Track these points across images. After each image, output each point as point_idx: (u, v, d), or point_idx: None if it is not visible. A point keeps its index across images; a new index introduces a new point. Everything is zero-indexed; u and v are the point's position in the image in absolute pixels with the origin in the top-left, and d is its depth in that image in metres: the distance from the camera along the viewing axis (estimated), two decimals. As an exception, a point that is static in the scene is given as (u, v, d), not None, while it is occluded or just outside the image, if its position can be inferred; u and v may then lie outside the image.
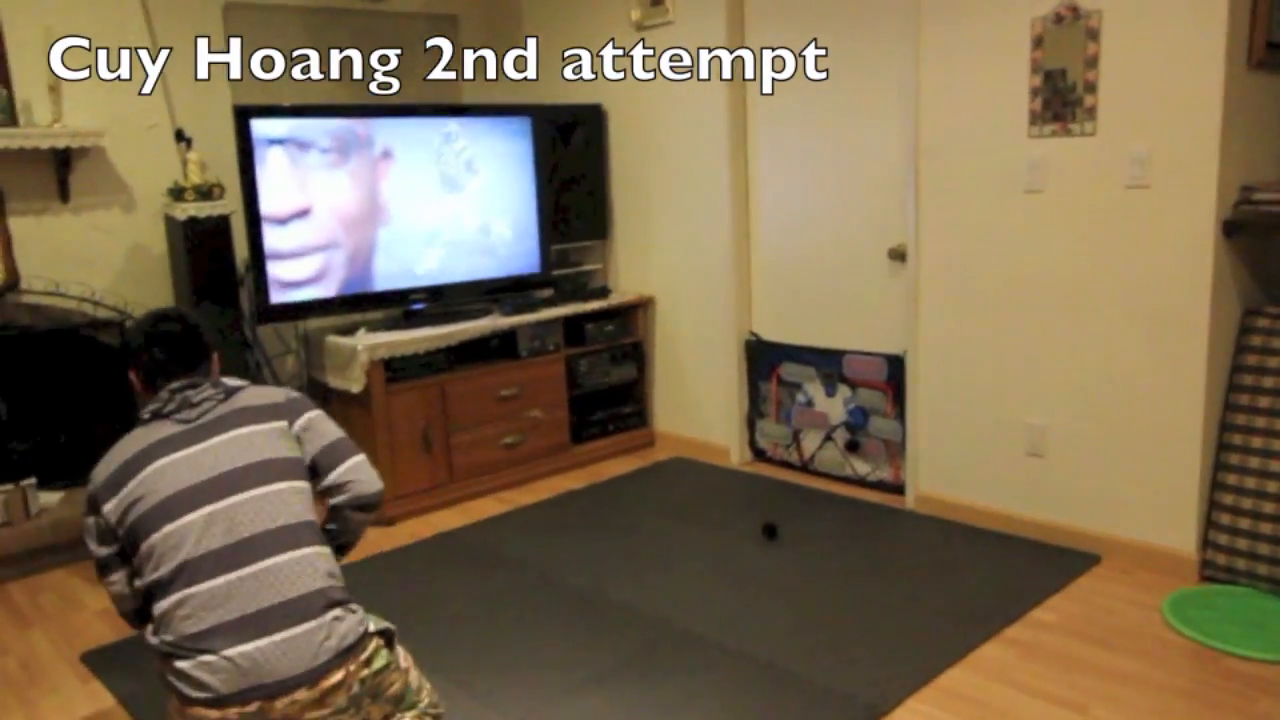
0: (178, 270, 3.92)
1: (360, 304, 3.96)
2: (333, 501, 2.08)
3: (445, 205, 4.14)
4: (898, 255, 3.66)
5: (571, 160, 4.55)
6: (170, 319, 2.16)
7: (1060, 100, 3.05)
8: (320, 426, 2.12)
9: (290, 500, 1.95)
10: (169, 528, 1.87)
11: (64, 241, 3.86)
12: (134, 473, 1.94)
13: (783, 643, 2.68)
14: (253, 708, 1.78)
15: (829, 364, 3.95)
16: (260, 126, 3.67)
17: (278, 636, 1.80)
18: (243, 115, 3.65)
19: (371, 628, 1.96)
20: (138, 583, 1.93)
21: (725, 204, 4.17)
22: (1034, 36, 3.09)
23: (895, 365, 3.71)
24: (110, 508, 1.94)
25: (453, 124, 4.13)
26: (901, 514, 3.61)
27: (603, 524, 3.65)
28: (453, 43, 5.00)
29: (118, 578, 1.99)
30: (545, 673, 2.59)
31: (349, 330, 3.96)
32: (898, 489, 3.77)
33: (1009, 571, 3.06)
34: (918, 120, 3.44)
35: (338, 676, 1.84)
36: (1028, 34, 3.11)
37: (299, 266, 3.81)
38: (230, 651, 1.78)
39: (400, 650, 2.04)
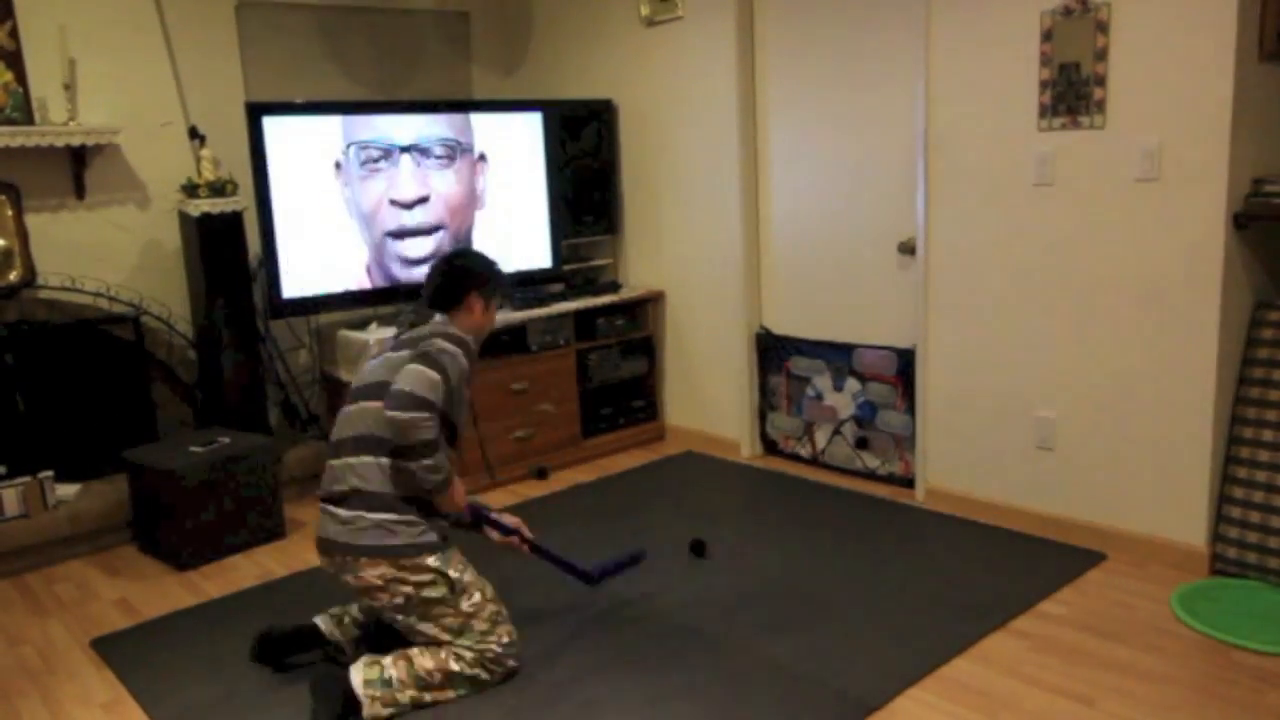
0: (191, 265, 3.96)
1: (372, 299, 3.99)
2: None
3: (456, 199, 4.16)
4: (907, 249, 3.66)
5: (582, 155, 4.56)
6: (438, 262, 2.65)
7: (1074, 93, 3.04)
8: (423, 355, 2.41)
9: (368, 416, 2.45)
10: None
11: (80, 238, 3.90)
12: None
13: (783, 636, 2.69)
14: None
15: (839, 358, 3.96)
16: (275, 124, 3.70)
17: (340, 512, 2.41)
18: (255, 112, 3.67)
19: (433, 561, 2.38)
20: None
21: (735, 198, 4.17)
22: (1043, 29, 3.08)
23: (905, 359, 3.71)
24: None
25: (464, 120, 4.14)
26: (911, 507, 3.61)
27: (608, 517, 3.66)
28: (464, 39, 5.01)
29: None
30: (540, 663, 2.61)
31: (361, 325, 3.99)
32: (907, 482, 3.78)
33: (1017, 565, 3.06)
34: (927, 114, 3.44)
35: (359, 560, 2.36)
36: (1037, 27, 3.10)
37: (311, 261, 3.84)
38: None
39: (468, 597, 2.42)
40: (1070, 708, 2.30)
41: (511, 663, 2.49)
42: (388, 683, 2.32)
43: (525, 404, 4.20)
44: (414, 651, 2.39)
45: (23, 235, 3.68)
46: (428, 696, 2.37)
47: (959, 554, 3.16)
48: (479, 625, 2.43)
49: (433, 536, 2.41)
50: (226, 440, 3.62)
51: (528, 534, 2.74)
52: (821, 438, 4.09)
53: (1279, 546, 2.81)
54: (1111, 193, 3.02)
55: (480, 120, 4.18)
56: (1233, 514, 2.92)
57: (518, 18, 5.07)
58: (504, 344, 4.19)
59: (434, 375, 2.34)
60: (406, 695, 2.34)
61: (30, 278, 3.70)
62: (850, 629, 2.71)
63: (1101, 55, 2.96)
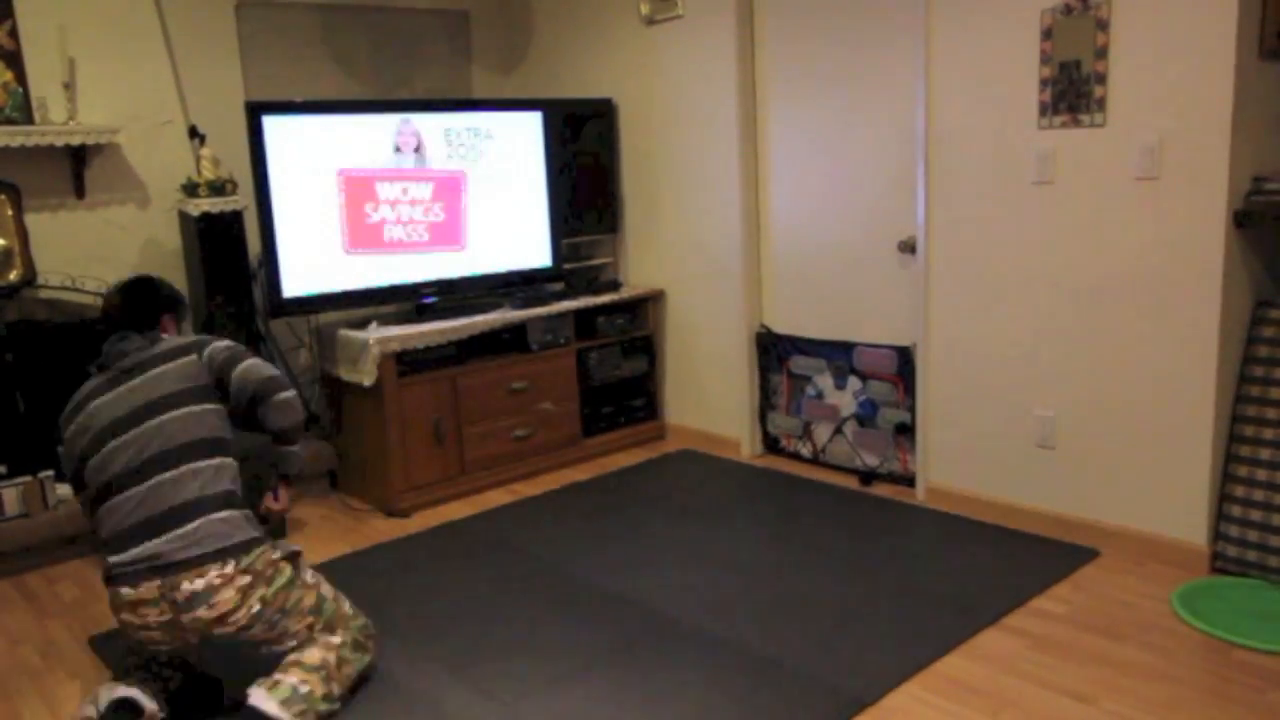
0: (191, 265, 3.96)
1: (372, 298, 3.99)
2: (246, 400, 2.50)
3: (456, 200, 4.16)
4: (907, 247, 3.66)
5: (582, 154, 4.56)
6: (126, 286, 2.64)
7: (1074, 91, 3.04)
8: (217, 350, 2.50)
9: (199, 419, 2.37)
10: (103, 451, 2.33)
11: (80, 237, 3.90)
12: (78, 412, 2.42)
13: (777, 634, 2.68)
14: (154, 584, 2.19)
15: (839, 356, 3.95)
16: (275, 123, 3.70)
17: (167, 536, 2.22)
18: (255, 111, 3.67)
19: (276, 554, 2.31)
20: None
21: (735, 197, 4.17)
22: (1044, 27, 3.08)
23: (905, 357, 3.71)
24: (66, 436, 2.42)
25: (464, 118, 4.14)
26: (910, 505, 3.61)
27: (607, 516, 3.66)
28: (464, 39, 5.01)
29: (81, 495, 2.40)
30: (536, 660, 2.61)
31: (361, 324, 3.99)
32: (908, 480, 3.77)
33: (1016, 562, 3.06)
34: (927, 112, 3.43)
35: (223, 570, 2.19)
36: (1037, 25, 3.10)
37: (311, 261, 3.84)
38: (136, 550, 2.21)
39: (307, 569, 2.41)
40: (1070, 706, 2.30)
41: (373, 649, 2.52)
42: (300, 692, 2.24)
43: (525, 403, 4.20)
44: (295, 656, 2.31)
45: (23, 235, 3.68)
46: (335, 688, 2.34)
47: (957, 552, 3.16)
48: (326, 590, 2.44)
49: (259, 521, 2.41)
50: (227, 440, 3.62)
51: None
52: (822, 436, 4.09)
53: (1279, 545, 2.82)
54: (1112, 191, 3.02)
55: (481, 119, 4.18)
56: (1233, 512, 2.91)
57: (518, 17, 5.07)
58: (504, 343, 4.19)
59: (257, 358, 2.53)
60: (319, 694, 2.28)
61: (30, 277, 3.70)
62: (844, 626, 2.71)
63: (1102, 53, 2.96)
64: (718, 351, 4.40)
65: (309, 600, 2.37)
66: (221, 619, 2.21)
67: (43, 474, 3.50)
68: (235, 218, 3.84)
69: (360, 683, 2.48)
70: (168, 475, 2.27)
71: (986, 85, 3.26)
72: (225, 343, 2.55)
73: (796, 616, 2.78)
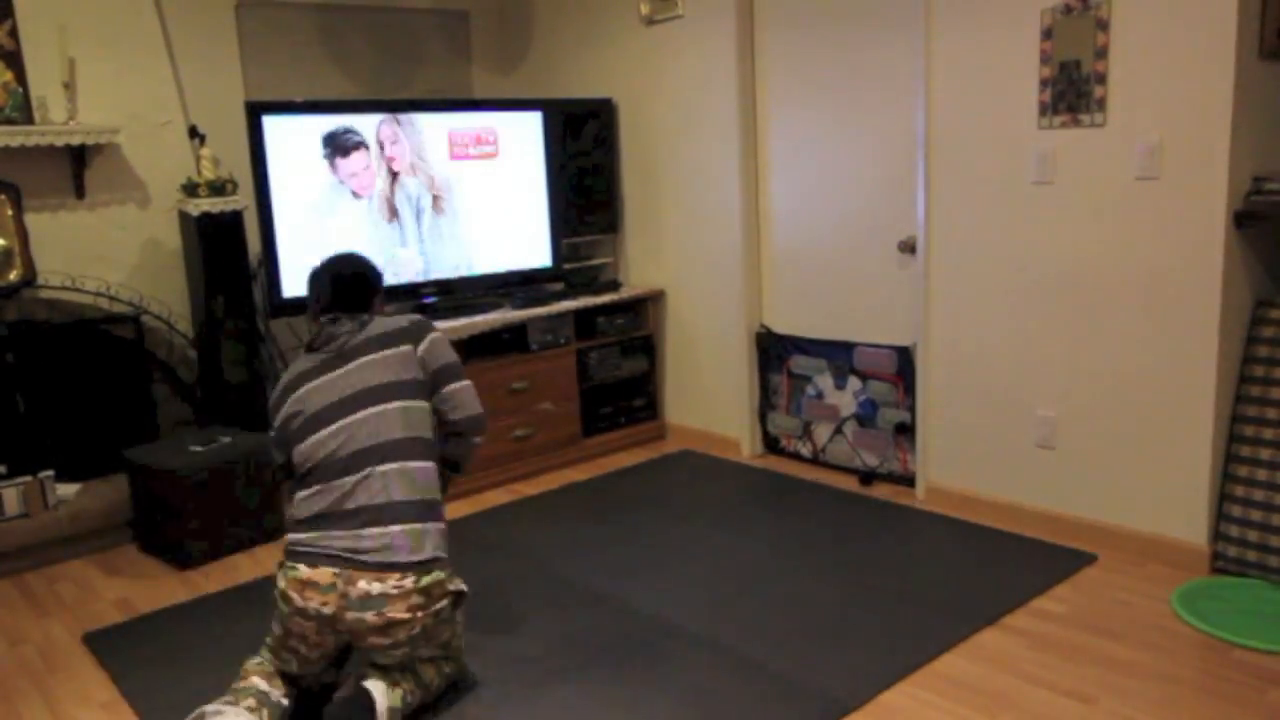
0: (192, 265, 3.96)
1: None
2: (447, 421, 2.45)
3: (456, 199, 4.16)
4: (907, 247, 3.66)
5: (582, 154, 4.56)
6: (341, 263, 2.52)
7: (1074, 91, 3.04)
8: (439, 348, 2.43)
9: (410, 416, 2.31)
10: (312, 439, 2.28)
11: (80, 237, 3.90)
12: (289, 394, 2.37)
13: (774, 634, 2.68)
14: (331, 571, 2.15)
15: (839, 356, 3.95)
16: (275, 123, 3.70)
17: (359, 532, 2.18)
18: (255, 111, 3.67)
19: (451, 586, 2.26)
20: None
21: (735, 197, 4.17)
22: (1044, 27, 3.08)
23: (905, 357, 3.71)
24: (278, 422, 2.38)
25: (464, 118, 4.14)
26: (910, 505, 3.61)
27: (607, 516, 3.66)
28: (464, 39, 5.01)
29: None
30: (525, 660, 2.61)
31: (361, 324, 3.98)
32: (908, 480, 3.77)
33: (1016, 562, 3.06)
34: (927, 112, 3.44)
35: (401, 582, 2.15)
36: (1037, 24, 3.10)
37: (311, 260, 3.84)
38: (324, 535, 2.18)
39: (460, 614, 2.36)
40: (1070, 706, 2.30)
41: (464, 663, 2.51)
42: (406, 701, 2.25)
43: (525, 403, 4.20)
44: (415, 667, 2.33)
45: (23, 235, 3.68)
46: (429, 698, 2.36)
47: (957, 552, 3.16)
48: (459, 633, 2.43)
49: (444, 536, 2.34)
50: (227, 439, 3.62)
51: None
52: (821, 436, 4.09)
53: (1279, 545, 2.82)
54: (1112, 191, 3.02)
55: (480, 119, 4.18)
56: (1233, 512, 2.91)
57: (518, 17, 5.07)
58: (504, 343, 4.19)
59: (469, 381, 2.47)
60: (414, 704, 2.29)
61: (30, 277, 3.70)
62: (842, 626, 2.70)
63: (1102, 53, 2.96)
64: (718, 351, 4.40)
65: (447, 635, 2.33)
66: (384, 629, 2.16)
67: (42, 474, 3.50)
68: (235, 218, 3.84)
69: None
70: (373, 470, 2.21)
71: (986, 85, 3.26)
72: (439, 338, 2.44)
73: (794, 616, 2.78)
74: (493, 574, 3.19)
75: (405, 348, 2.38)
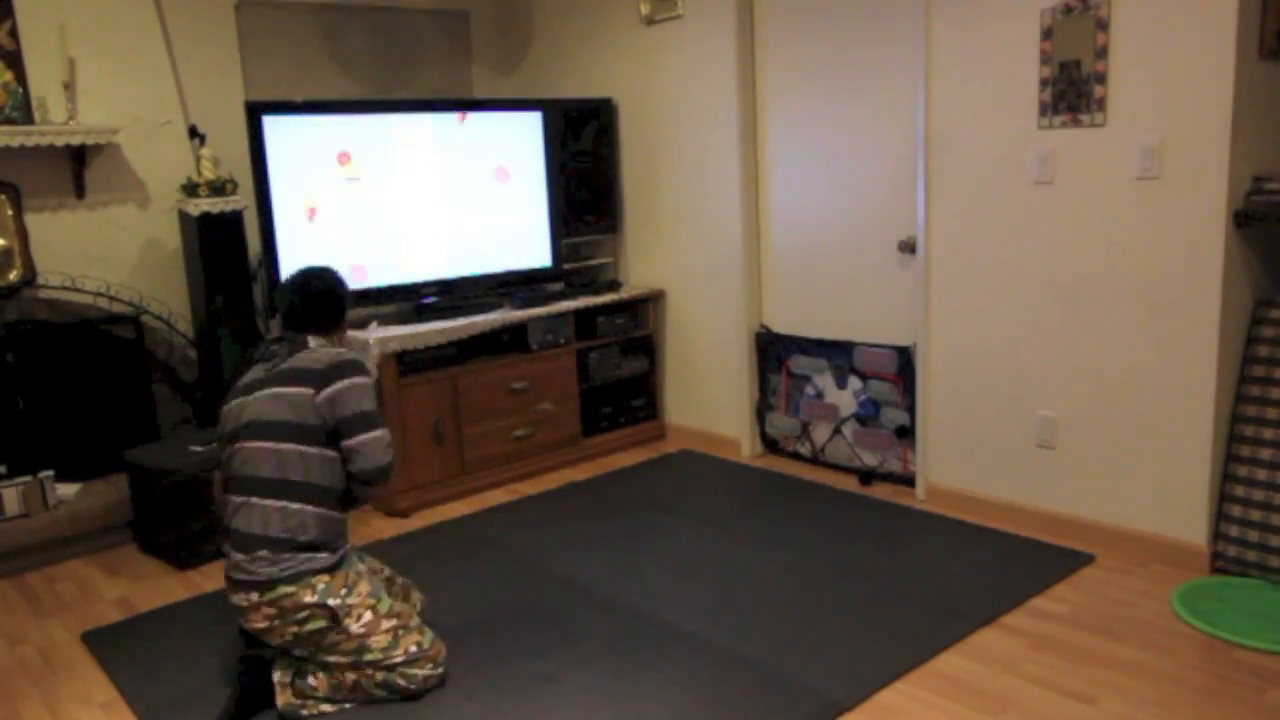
0: (191, 265, 3.96)
1: (372, 298, 3.99)
2: (347, 469, 2.43)
3: (457, 199, 4.16)
4: (907, 247, 3.66)
5: (582, 154, 4.56)
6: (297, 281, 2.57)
7: (1074, 91, 3.04)
8: (345, 398, 2.39)
9: (286, 459, 2.35)
10: (227, 450, 2.44)
11: (80, 237, 3.90)
12: (230, 399, 2.50)
13: (772, 634, 2.68)
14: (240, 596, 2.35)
15: (840, 356, 3.95)
16: (275, 123, 3.70)
17: (236, 556, 2.35)
18: (255, 111, 3.67)
19: (310, 598, 2.31)
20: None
21: (735, 197, 4.17)
22: (1044, 27, 3.08)
23: (905, 357, 3.71)
24: (221, 420, 2.50)
25: (464, 118, 4.14)
26: (910, 505, 3.61)
27: (606, 516, 3.66)
28: (464, 39, 5.02)
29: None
30: (522, 659, 2.62)
31: (361, 324, 3.98)
32: (907, 480, 3.77)
33: (1016, 562, 3.06)
34: (927, 111, 3.44)
35: (248, 596, 2.31)
36: (1037, 25, 3.10)
37: (311, 260, 3.84)
38: (232, 553, 2.37)
39: (361, 618, 2.37)
40: (1071, 706, 2.30)
41: (428, 669, 2.44)
42: (308, 683, 2.40)
43: (525, 403, 4.20)
44: (336, 674, 2.42)
45: (23, 235, 3.68)
46: (339, 695, 2.42)
47: (956, 552, 3.16)
48: (377, 642, 2.38)
49: (312, 566, 2.33)
50: (227, 440, 3.62)
51: None
52: (821, 436, 4.08)
53: (1279, 545, 2.82)
54: (1112, 191, 3.02)
55: (481, 119, 4.18)
56: (1233, 512, 2.91)
57: (518, 17, 5.07)
58: (504, 343, 4.19)
59: (381, 431, 2.41)
60: (322, 692, 2.40)
61: (30, 277, 3.70)
62: (841, 626, 2.70)
63: (1102, 53, 2.96)
64: (718, 351, 4.40)
65: (347, 646, 2.37)
66: (262, 633, 2.36)
67: (42, 474, 3.50)
68: (235, 218, 3.84)
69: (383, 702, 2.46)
70: (257, 503, 2.34)
71: (986, 85, 3.26)
72: (348, 387, 2.38)
73: (793, 616, 2.78)
74: (492, 574, 3.19)
75: (306, 391, 2.37)
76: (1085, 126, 3.04)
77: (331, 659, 2.38)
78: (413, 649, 2.42)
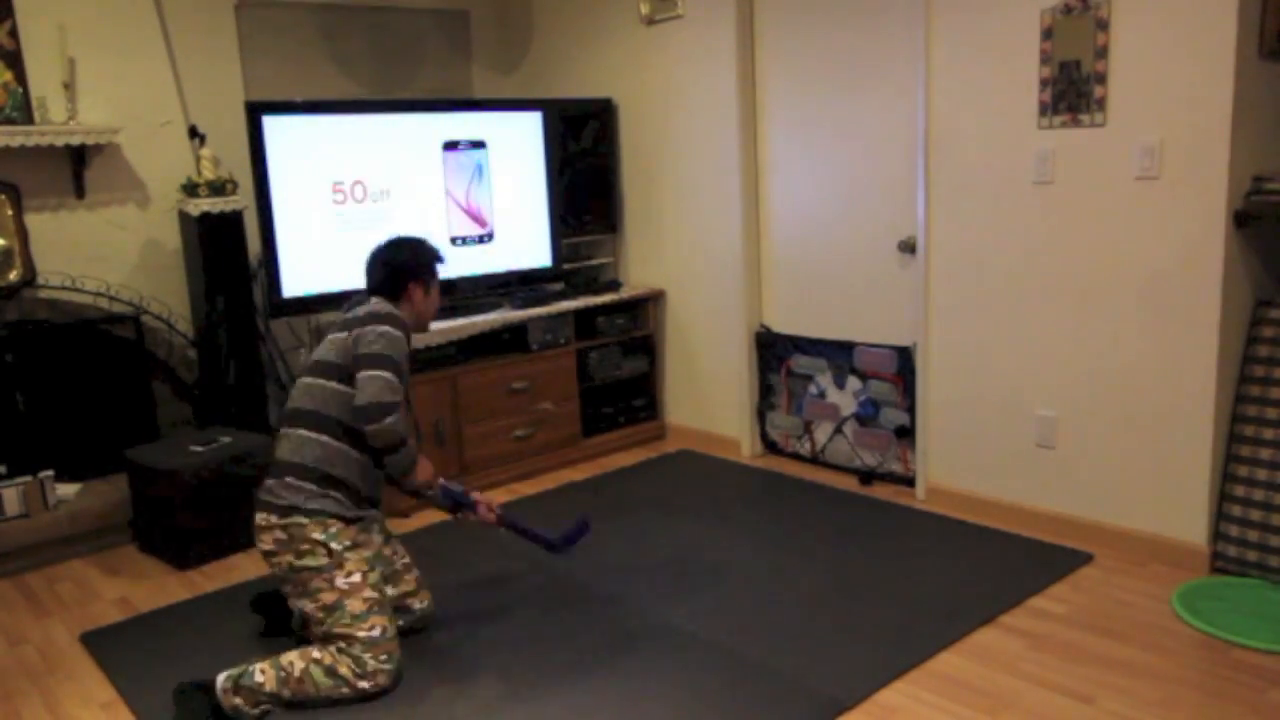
0: (192, 265, 3.96)
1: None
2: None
3: (456, 199, 4.16)
4: (908, 247, 3.66)
5: (582, 154, 4.56)
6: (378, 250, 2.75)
7: (1074, 91, 3.03)
8: (364, 338, 2.52)
9: (315, 392, 2.55)
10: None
11: (80, 237, 3.90)
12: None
13: (766, 634, 2.68)
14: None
15: (840, 356, 3.95)
16: (275, 123, 3.70)
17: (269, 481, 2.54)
18: (255, 111, 3.67)
19: (318, 535, 2.46)
20: None
21: (735, 197, 4.17)
22: (1044, 27, 3.08)
23: (905, 357, 3.71)
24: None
25: (464, 118, 4.14)
26: (910, 505, 3.61)
27: (606, 516, 3.66)
28: (464, 39, 5.02)
29: None
30: (520, 660, 2.61)
31: (361, 324, 3.98)
32: (907, 480, 3.77)
33: (1015, 562, 3.06)
34: (927, 111, 3.43)
35: (267, 518, 2.49)
36: (1037, 25, 3.10)
37: (311, 260, 3.84)
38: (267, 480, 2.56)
39: (352, 575, 2.46)
40: (1070, 705, 2.30)
41: (381, 660, 2.43)
42: (252, 680, 2.37)
43: (525, 403, 4.20)
44: (282, 657, 2.43)
45: (23, 235, 3.68)
46: (286, 693, 2.38)
47: (956, 552, 3.16)
48: (353, 606, 2.43)
49: (331, 506, 2.48)
50: (227, 439, 3.62)
51: (495, 510, 2.85)
52: (821, 436, 4.08)
53: (1279, 545, 2.81)
54: (1112, 191, 3.02)
55: (480, 119, 4.18)
56: (1233, 512, 2.91)
57: (518, 17, 5.07)
58: (504, 343, 4.19)
59: (384, 374, 2.46)
60: (267, 689, 2.37)
61: (30, 277, 3.70)
62: (841, 626, 2.70)
63: (1102, 53, 2.96)
64: (718, 351, 4.40)
65: (326, 598, 2.46)
66: (266, 555, 2.52)
67: (42, 474, 3.50)
68: (235, 218, 3.84)
69: (328, 705, 2.42)
70: (294, 432, 2.55)
71: (986, 85, 3.26)
72: (370, 331, 2.52)
73: (792, 615, 2.78)
74: (492, 573, 3.19)
75: (345, 335, 2.57)
76: (1085, 126, 3.04)
77: (306, 606, 2.48)
78: (377, 631, 2.44)
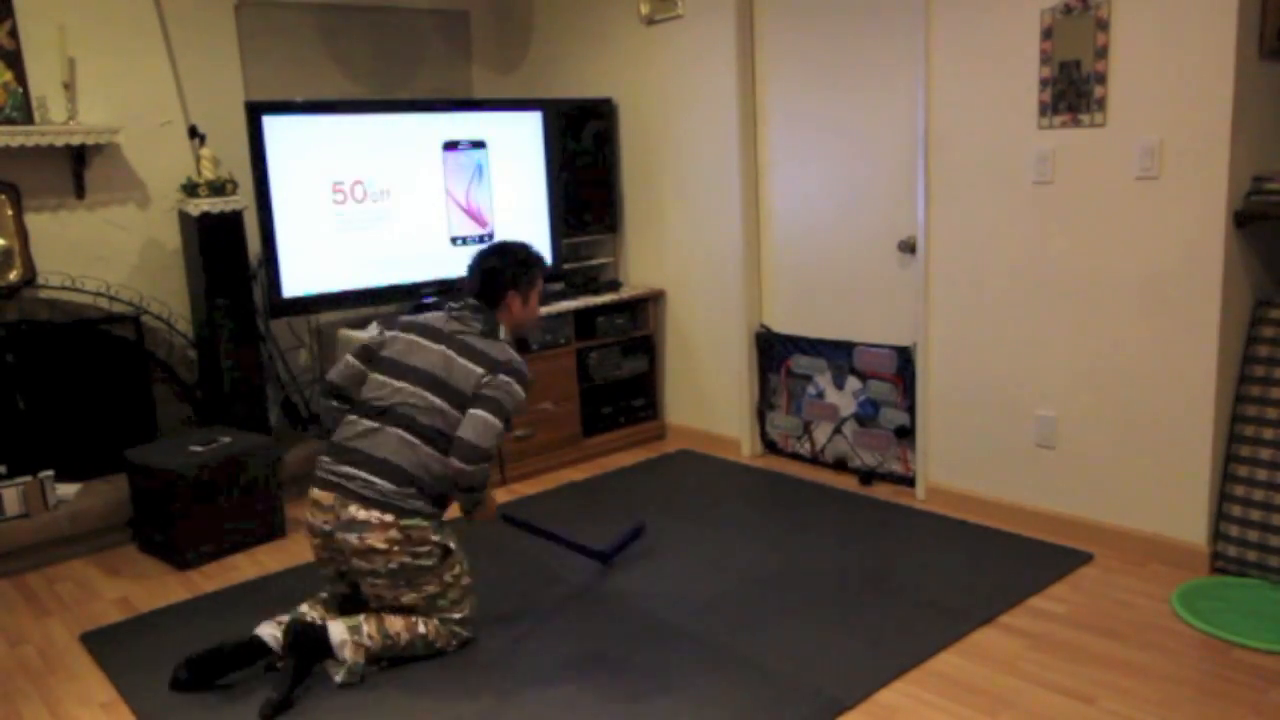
0: (191, 265, 3.96)
1: (371, 298, 3.99)
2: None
3: (456, 199, 4.16)
4: (907, 247, 3.66)
5: (582, 154, 4.56)
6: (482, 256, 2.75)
7: (1074, 91, 3.03)
8: (495, 384, 2.55)
9: (419, 402, 2.55)
10: (375, 377, 2.64)
11: (80, 237, 3.90)
12: (396, 328, 2.71)
13: (766, 634, 2.68)
14: (332, 495, 2.52)
15: (839, 356, 3.95)
16: (275, 123, 3.70)
17: (363, 470, 2.52)
18: (254, 111, 3.67)
19: (435, 537, 2.53)
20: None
21: (735, 197, 4.17)
22: (1044, 27, 3.08)
23: (905, 357, 3.71)
24: (379, 339, 2.71)
25: (464, 118, 4.14)
26: (910, 505, 3.61)
27: (606, 516, 3.66)
28: (464, 39, 5.01)
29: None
30: (521, 659, 2.62)
31: (361, 324, 3.99)
32: (907, 480, 3.77)
33: (1015, 562, 3.06)
34: (927, 111, 3.43)
35: (383, 517, 2.46)
36: (1037, 25, 3.10)
37: (311, 260, 3.84)
38: (338, 464, 2.55)
39: (455, 566, 2.59)
40: (1070, 705, 2.30)
41: (467, 633, 2.68)
42: (364, 633, 2.51)
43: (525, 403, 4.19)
44: (385, 615, 2.57)
45: (23, 235, 3.68)
46: (385, 657, 2.56)
47: (956, 552, 3.16)
48: (452, 595, 2.61)
49: (430, 508, 2.57)
50: (227, 440, 3.62)
51: (547, 528, 3.08)
52: (821, 436, 4.08)
53: (1279, 545, 2.81)
54: (1112, 191, 3.02)
55: (481, 119, 4.18)
56: (1233, 512, 2.91)
57: (518, 17, 5.07)
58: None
59: (497, 424, 2.53)
60: (375, 649, 2.52)
61: (30, 277, 3.70)
62: (840, 626, 2.70)
63: (1102, 53, 2.96)
64: (717, 351, 4.40)
65: (431, 589, 2.57)
66: (364, 553, 2.47)
67: (42, 474, 3.50)
68: (235, 218, 3.84)
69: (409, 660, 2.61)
70: (392, 431, 2.53)
71: (986, 85, 3.26)
72: (508, 382, 2.57)
73: (792, 615, 2.78)
74: (492, 574, 3.19)
75: (477, 370, 2.57)
76: (1085, 126, 3.04)
77: (408, 598, 2.54)
78: (468, 611, 2.66)
